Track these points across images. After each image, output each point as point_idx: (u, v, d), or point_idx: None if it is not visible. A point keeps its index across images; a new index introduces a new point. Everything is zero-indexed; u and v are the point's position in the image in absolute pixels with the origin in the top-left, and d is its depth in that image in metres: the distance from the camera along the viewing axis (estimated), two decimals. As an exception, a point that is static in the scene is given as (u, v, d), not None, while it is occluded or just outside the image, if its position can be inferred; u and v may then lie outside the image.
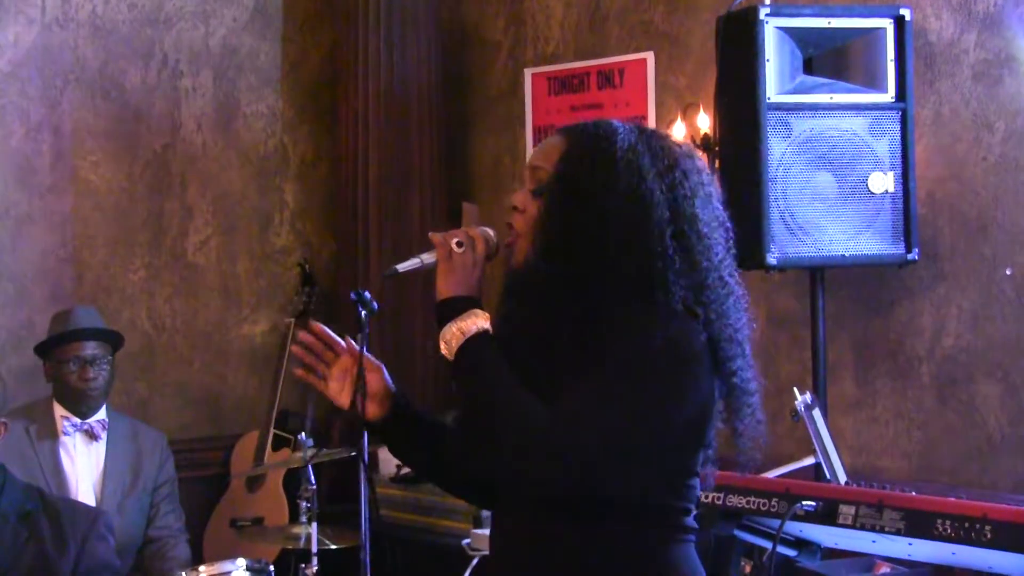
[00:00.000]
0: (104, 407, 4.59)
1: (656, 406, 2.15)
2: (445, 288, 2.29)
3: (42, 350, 4.55)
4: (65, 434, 4.49)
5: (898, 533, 2.65)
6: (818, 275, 3.92)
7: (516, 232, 2.29)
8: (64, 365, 4.48)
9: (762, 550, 3.17)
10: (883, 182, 3.78)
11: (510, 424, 2.16)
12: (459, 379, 2.26)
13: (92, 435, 4.53)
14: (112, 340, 4.60)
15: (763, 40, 3.74)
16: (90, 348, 4.50)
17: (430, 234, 2.33)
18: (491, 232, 2.34)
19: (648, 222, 2.19)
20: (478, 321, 2.25)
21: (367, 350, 2.49)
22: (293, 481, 4.63)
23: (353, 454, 4.20)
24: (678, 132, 4.55)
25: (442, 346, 2.27)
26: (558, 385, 2.17)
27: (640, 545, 2.21)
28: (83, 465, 4.51)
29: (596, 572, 2.21)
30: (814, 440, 3.42)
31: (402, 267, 2.35)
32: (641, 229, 2.19)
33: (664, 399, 2.15)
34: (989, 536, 2.50)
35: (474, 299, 2.29)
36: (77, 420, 4.51)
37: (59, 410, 4.51)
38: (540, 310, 2.23)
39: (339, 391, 2.46)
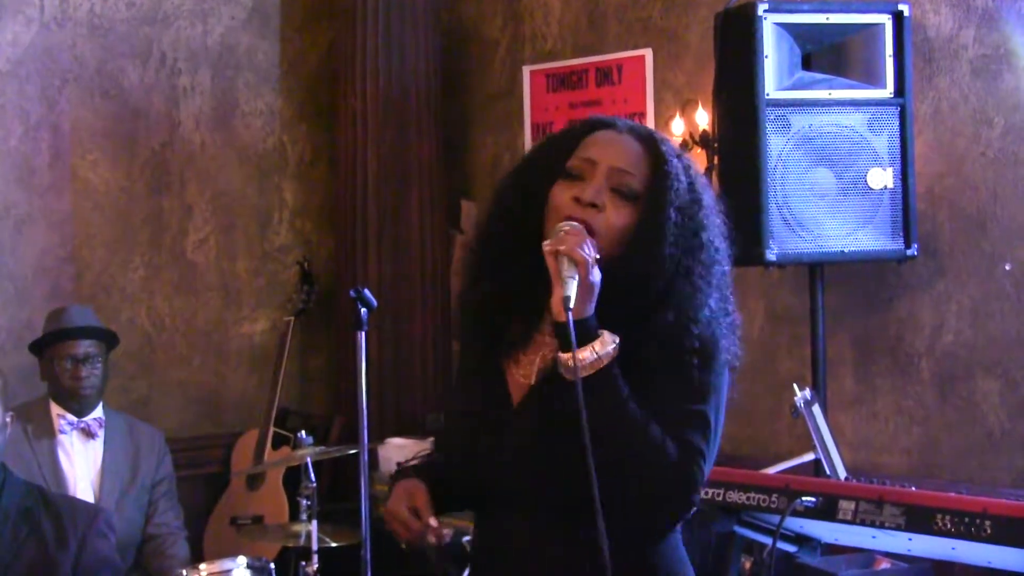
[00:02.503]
0: (100, 405, 4.59)
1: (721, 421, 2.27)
2: (583, 307, 2.14)
3: (37, 348, 4.55)
4: (62, 432, 4.49)
5: (898, 528, 2.65)
6: (817, 271, 3.92)
7: (594, 231, 2.21)
8: (57, 363, 4.48)
9: (762, 546, 3.17)
10: (882, 178, 3.78)
11: (646, 458, 2.14)
12: (591, 404, 2.10)
13: (89, 433, 4.53)
14: (106, 339, 4.59)
15: (761, 36, 3.74)
16: (83, 347, 4.50)
17: (574, 250, 2.13)
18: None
19: (727, 243, 2.32)
20: (611, 345, 2.15)
21: (365, 349, 2.48)
22: (293, 479, 4.63)
23: (353, 451, 4.20)
24: (677, 129, 4.56)
25: (568, 365, 2.13)
26: (648, 391, 2.18)
27: (643, 541, 2.25)
28: (81, 463, 4.51)
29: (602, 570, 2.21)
30: (814, 436, 3.42)
31: (571, 293, 2.12)
32: (726, 249, 2.32)
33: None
34: (989, 531, 2.50)
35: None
36: (73, 418, 4.51)
37: (55, 408, 4.51)
38: (631, 320, 2.19)
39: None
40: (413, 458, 2.45)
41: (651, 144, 2.29)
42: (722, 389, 2.27)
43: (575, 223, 2.18)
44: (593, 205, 2.21)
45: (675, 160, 2.29)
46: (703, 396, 2.22)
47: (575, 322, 2.11)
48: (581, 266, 2.13)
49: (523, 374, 2.30)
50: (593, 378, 2.13)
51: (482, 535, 2.35)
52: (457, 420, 2.40)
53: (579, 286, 2.13)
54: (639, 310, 2.20)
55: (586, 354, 2.13)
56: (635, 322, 2.19)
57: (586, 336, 2.13)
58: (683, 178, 2.28)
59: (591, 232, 2.19)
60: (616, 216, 2.22)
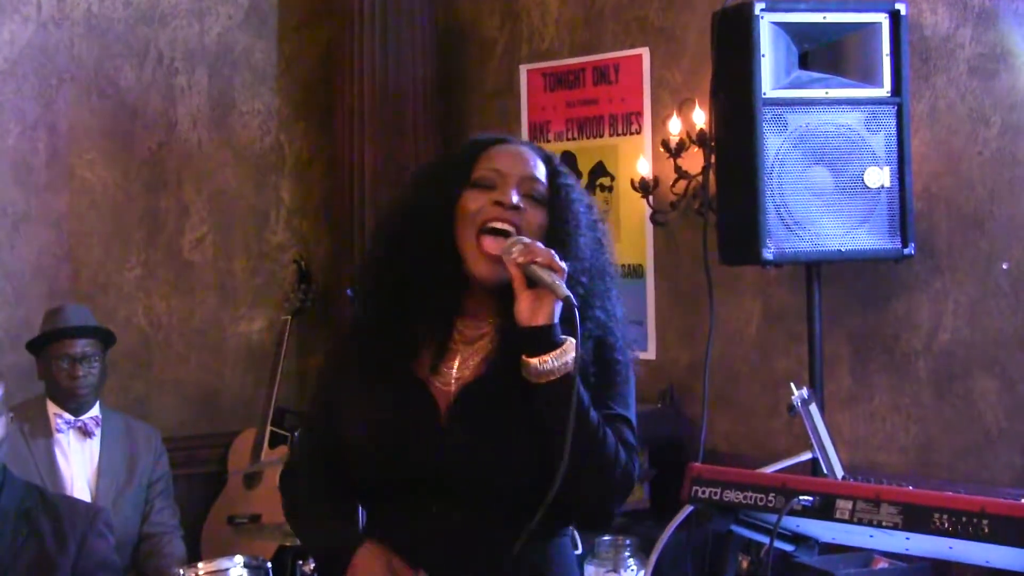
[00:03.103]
0: (97, 404, 4.59)
1: None
2: (551, 314, 2.24)
3: (34, 347, 4.55)
4: (59, 431, 4.50)
5: (895, 528, 2.65)
6: (814, 270, 3.92)
7: (521, 233, 2.31)
8: (54, 362, 4.48)
9: (759, 545, 3.17)
10: (879, 177, 3.78)
11: (607, 458, 2.25)
12: (554, 414, 2.21)
13: (86, 432, 4.53)
14: (103, 338, 4.59)
15: (758, 35, 3.74)
16: (80, 346, 4.50)
17: (553, 261, 2.23)
18: None
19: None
20: (573, 352, 2.24)
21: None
22: (291, 478, 4.62)
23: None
24: (674, 128, 4.56)
25: (539, 369, 2.22)
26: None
27: (555, 532, 2.40)
28: (77, 462, 4.51)
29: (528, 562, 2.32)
30: (811, 435, 3.41)
31: (568, 292, 2.22)
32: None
33: None
34: (987, 530, 2.49)
35: None
36: (70, 417, 4.52)
37: (52, 408, 4.52)
38: (564, 323, 2.27)
39: None
40: (325, 514, 2.47)
41: (543, 153, 2.43)
42: (634, 388, 2.39)
43: (524, 237, 2.28)
44: (516, 208, 2.31)
45: (563, 166, 2.44)
46: (627, 397, 2.35)
47: (544, 327, 2.21)
48: (560, 274, 2.22)
49: (443, 382, 2.35)
50: (559, 383, 2.22)
51: (386, 528, 2.37)
52: (367, 427, 2.35)
53: (559, 291, 2.21)
54: (570, 313, 2.25)
55: (553, 361, 2.22)
56: (569, 325, 2.25)
57: (553, 343, 2.22)
58: (575, 182, 2.43)
59: (519, 233, 2.30)
60: (535, 216, 2.34)
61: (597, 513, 2.35)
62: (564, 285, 2.21)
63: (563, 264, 2.23)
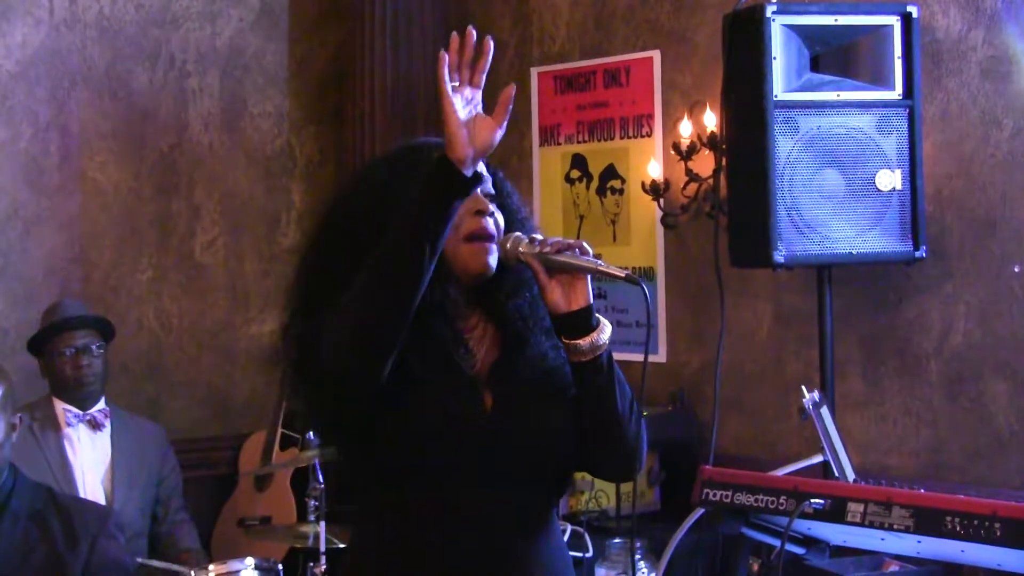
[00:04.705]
0: (103, 399, 4.60)
1: None
2: (589, 296, 2.35)
3: (35, 345, 4.56)
4: (69, 425, 4.50)
5: (907, 531, 2.65)
6: (825, 273, 3.92)
7: (499, 231, 2.41)
8: (57, 356, 4.49)
9: (770, 548, 3.17)
10: (890, 179, 3.78)
11: (639, 427, 2.38)
12: (608, 382, 2.34)
13: (96, 424, 4.54)
14: (102, 327, 4.60)
15: (770, 38, 3.74)
16: (81, 337, 4.52)
17: (581, 243, 2.34)
18: None
19: None
20: (609, 325, 2.36)
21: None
22: (301, 480, 4.63)
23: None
24: (685, 130, 4.56)
25: (590, 347, 2.32)
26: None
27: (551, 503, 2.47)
28: (88, 457, 4.52)
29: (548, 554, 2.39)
30: (822, 438, 3.41)
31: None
32: None
33: None
34: (999, 533, 2.50)
35: None
36: (79, 411, 4.52)
37: (60, 404, 4.52)
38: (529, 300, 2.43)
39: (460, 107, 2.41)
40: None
41: None
42: None
43: (518, 233, 2.38)
44: (492, 213, 2.41)
45: None
46: None
47: (587, 308, 2.31)
48: (589, 256, 2.32)
49: (469, 366, 2.39)
50: (603, 353, 2.33)
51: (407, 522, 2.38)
52: (436, 422, 2.35)
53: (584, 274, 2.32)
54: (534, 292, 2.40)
55: (601, 336, 2.32)
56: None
57: (596, 320, 2.32)
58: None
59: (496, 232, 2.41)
60: (498, 213, 2.43)
61: (635, 460, 2.42)
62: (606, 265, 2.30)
63: (589, 247, 2.32)
